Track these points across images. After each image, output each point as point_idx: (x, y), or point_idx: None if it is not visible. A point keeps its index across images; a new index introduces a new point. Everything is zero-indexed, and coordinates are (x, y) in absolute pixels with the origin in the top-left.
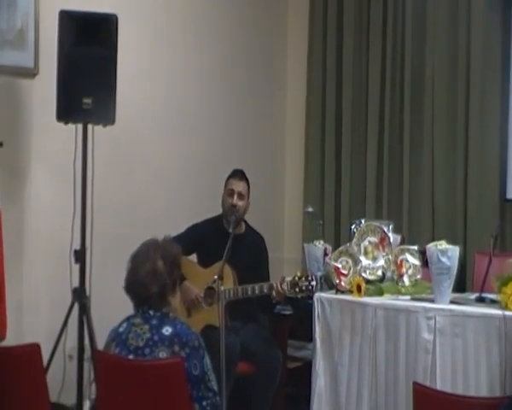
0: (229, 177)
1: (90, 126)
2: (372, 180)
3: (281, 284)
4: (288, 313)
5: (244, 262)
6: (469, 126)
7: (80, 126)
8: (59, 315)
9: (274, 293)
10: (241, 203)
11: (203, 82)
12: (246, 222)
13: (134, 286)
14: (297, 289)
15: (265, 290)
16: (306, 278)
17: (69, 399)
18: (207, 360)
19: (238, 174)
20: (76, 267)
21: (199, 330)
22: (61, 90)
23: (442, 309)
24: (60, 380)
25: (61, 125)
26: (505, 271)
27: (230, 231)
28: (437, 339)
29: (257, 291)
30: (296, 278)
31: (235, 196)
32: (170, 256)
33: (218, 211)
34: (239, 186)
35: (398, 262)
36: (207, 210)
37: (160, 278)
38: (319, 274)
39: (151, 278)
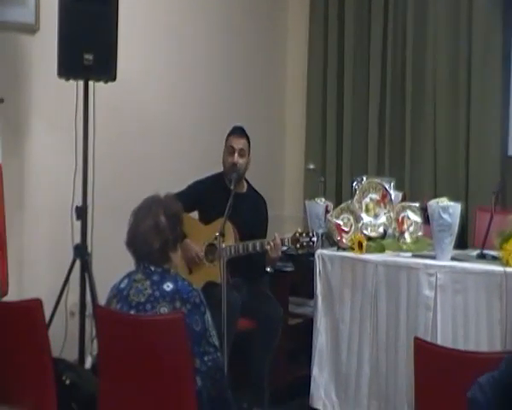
0: (229, 134)
1: (91, 83)
2: (374, 137)
3: (276, 239)
4: (289, 269)
5: (244, 221)
6: (471, 83)
7: (81, 83)
8: (60, 272)
9: (269, 248)
10: (241, 161)
11: (204, 40)
12: (247, 182)
13: (135, 241)
14: (298, 245)
15: (267, 246)
16: (307, 234)
17: (71, 354)
18: (208, 316)
19: (238, 131)
20: (77, 224)
21: (200, 287)
22: (62, 47)
23: (443, 266)
24: (62, 336)
25: (62, 81)
26: (506, 227)
27: (232, 188)
28: (438, 296)
29: (258, 248)
30: (297, 234)
31: (236, 154)
32: (172, 212)
33: (220, 168)
34: (239, 143)
35: (400, 219)
36: (209, 167)
37: (162, 234)
38: (320, 231)
39: (153, 233)
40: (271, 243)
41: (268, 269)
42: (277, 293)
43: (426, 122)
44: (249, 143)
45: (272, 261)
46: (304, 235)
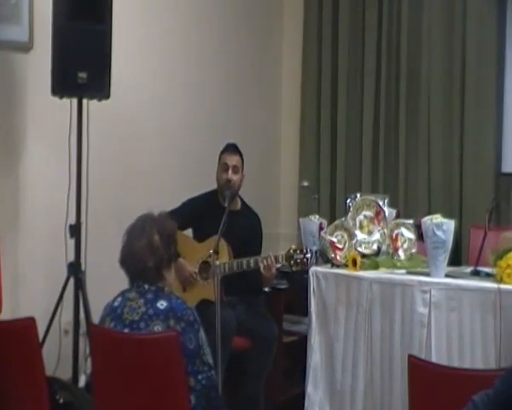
0: (223, 151)
1: (84, 101)
2: (368, 154)
3: (269, 258)
4: (283, 287)
5: (239, 238)
6: (465, 100)
7: (75, 101)
8: (54, 290)
9: (262, 267)
10: (235, 177)
11: (199, 56)
12: (241, 199)
13: (129, 259)
14: (292, 262)
15: (260, 264)
16: (301, 251)
17: (65, 373)
18: (202, 334)
19: (231, 148)
20: (71, 242)
21: (194, 305)
22: (56, 65)
23: (437, 283)
24: (55, 354)
25: (56, 99)
26: (500, 244)
27: (226, 205)
28: (432, 313)
29: (252, 265)
30: (291, 251)
31: (230, 171)
32: (166, 231)
33: (214, 186)
34: (233, 160)
35: (394, 236)
36: (203, 184)
37: (157, 253)
38: (314, 248)
39: (147, 251)
40: (264, 262)
41: (266, 289)
42: (272, 311)
43: (420, 139)
44: (242, 159)
45: (268, 281)
46: (298, 252)
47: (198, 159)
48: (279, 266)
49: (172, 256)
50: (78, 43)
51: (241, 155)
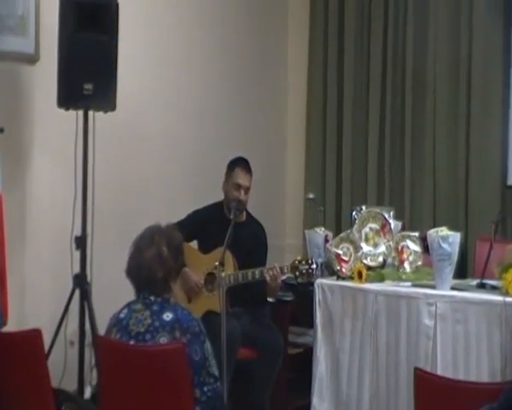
0: (235, 166)
1: (90, 113)
2: (373, 166)
3: (275, 269)
4: (289, 299)
5: (244, 250)
6: (471, 113)
7: (81, 113)
8: (60, 301)
9: (268, 278)
10: (246, 197)
11: (204, 68)
12: (247, 210)
13: (137, 269)
14: (297, 273)
15: (266, 275)
16: (306, 262)
17: (70, 384)
18: (208, 345)
19: (244, 166)
20: (77, 254)
21: (199, 316)
22: (62, 77)
23: (443, 295)
24: (61, 366)
25: (62, 111)
26: (506, 257)
27: (232, 217)
28: (438, 325)
29: (257, 276)
30: (296, 262)
31: (242, 192)
32: (174, 243)
33: (220, 197)
34: (246, 181)
35: (399, 249)
36: (209, 196)
37: (166, 264)
38: (320, 261)
39: (156, 262)
40: (270, 273)
41: (270, 300)
42: (277, 322)
43: (426, 151)
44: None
45: (273, 291)
46: (303, 262)
47: (204, 169)
48: (284, 277)
49: (180, 268)
50: (84, 55)
51: (251, 173)
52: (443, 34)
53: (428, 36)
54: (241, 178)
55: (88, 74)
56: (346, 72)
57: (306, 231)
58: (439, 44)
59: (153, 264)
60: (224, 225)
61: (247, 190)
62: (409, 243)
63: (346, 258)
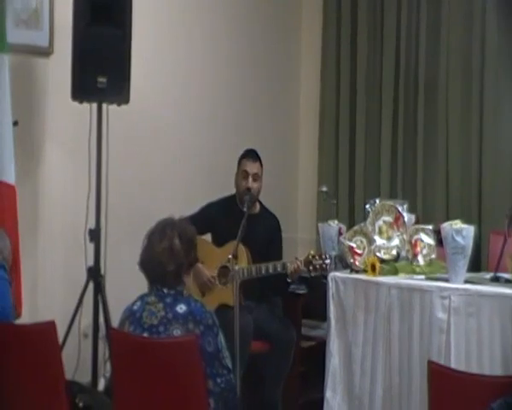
0: (243, 157)
1: (104, 106)
2: (386, 159)
3: (295, 261)
4: (302, 292)
5: (258, 242)
6: (484, 105)
7: (95, 105)
8: (74, 294)
9: (289, 270)
10: (255, 185)
11: (218, 63)
12: (260, 203)
13: (150, 263)
14: (311, 268)
15: (279, 269)
16: (320, 257)
17: (84, 377)
18: (221, 337)
19: (252, 155)
20: (91, 246)
21: (213, 310)
22: (76, 70)
23: (457, 289)
24: (75, 358)
25: (76, 104)
26: None
27: (245, 210)
28: (451, 318)
29: (271, 270)
30: (310, 257)
31: (250, 179)
32: (187, 236)
33: (232, 187)
34: (253, 168)
35: (413, 242)
36: (222, 189)
37: (177, 257)
38: (333, 254)
39: (168, 255)
40: (291, 267)
41: (289, 280)
42: (290, 315)
43: (438, 145)
44: (262, 166)
45: (293, 275)
46: (317, 257)
47: (218, 163)
48: None
49: (193, 261)
50: (98, 48)
51: (261, 163)
52: (456, 31)
53: (441, 33)
54: (247, 165)
55: (101, 67)
56: (359, 68)
57: (320, 224)
58: (452, 41)
59: (164, 257)
60: (237, 218)
61: (255, 176)
62: (422, 236)
63: (359, 251)
